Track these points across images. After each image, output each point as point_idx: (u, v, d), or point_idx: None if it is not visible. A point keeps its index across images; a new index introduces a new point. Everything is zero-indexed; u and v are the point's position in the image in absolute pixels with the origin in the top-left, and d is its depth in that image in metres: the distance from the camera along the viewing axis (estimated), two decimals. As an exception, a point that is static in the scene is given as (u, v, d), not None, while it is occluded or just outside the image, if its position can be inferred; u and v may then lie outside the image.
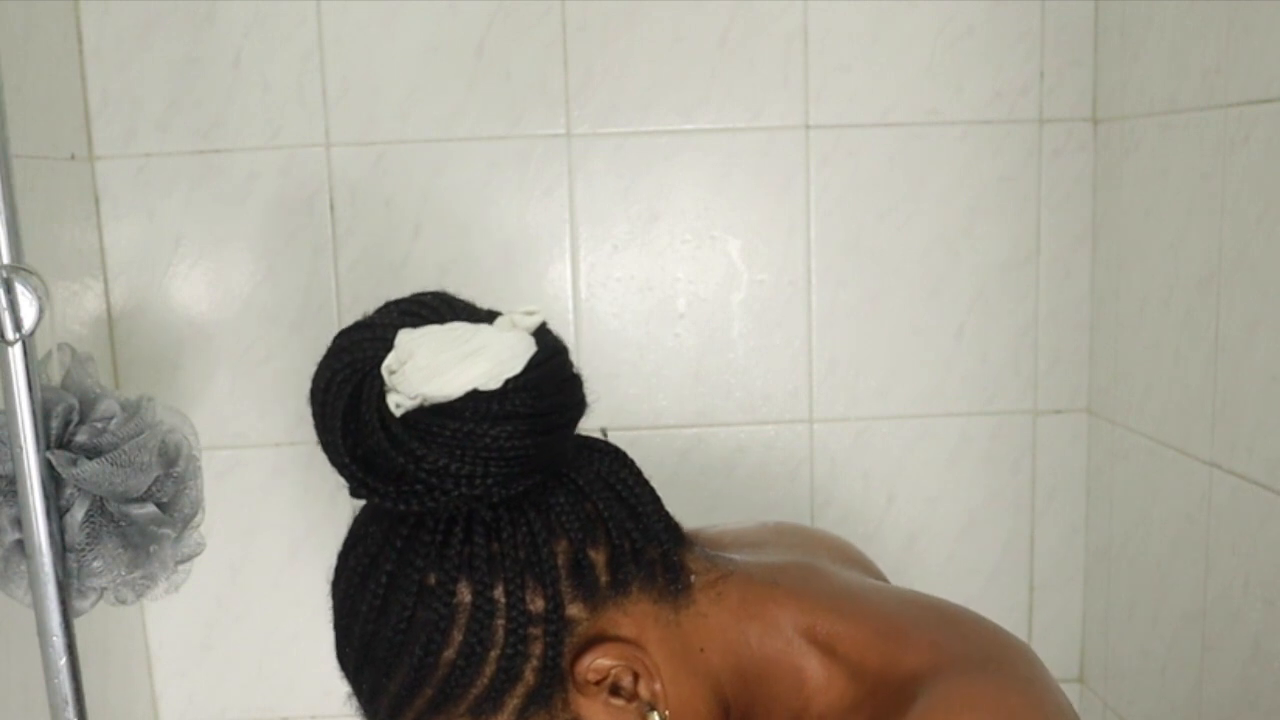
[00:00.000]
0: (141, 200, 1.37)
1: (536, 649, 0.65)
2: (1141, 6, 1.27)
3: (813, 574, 0.73)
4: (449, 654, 0.64)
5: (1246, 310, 1.08)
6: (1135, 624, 1.32)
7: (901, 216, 1.40)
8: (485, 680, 0.65)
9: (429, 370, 0.61)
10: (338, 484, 1.51)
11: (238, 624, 1.45)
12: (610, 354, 1.42)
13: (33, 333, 0.85)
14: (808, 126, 1.38)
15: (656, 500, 0.74)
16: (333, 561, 0.71)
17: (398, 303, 0.69)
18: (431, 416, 0.62)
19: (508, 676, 0.65)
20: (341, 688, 1.63)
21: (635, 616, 0.68)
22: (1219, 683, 1.14)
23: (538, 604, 0.65)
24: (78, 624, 0.91)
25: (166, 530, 0.93)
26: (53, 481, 0.87)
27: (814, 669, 0.68)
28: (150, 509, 0.91)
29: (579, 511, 0.67)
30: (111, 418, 0.91)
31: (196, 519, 0.97)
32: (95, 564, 0.90)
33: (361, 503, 0.69)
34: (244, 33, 1.35)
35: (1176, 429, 1.22)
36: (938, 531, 1.46)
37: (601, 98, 1.37)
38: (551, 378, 0.65)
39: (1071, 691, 1.50)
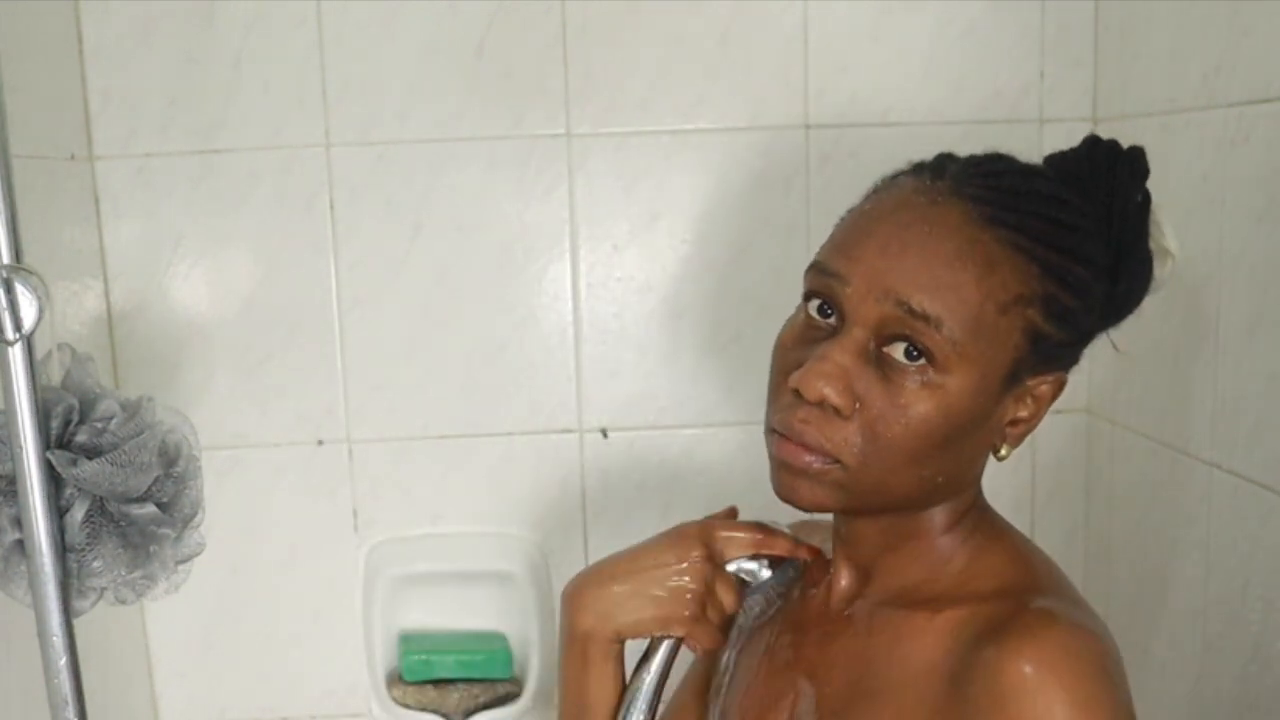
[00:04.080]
0: (141, 200, 1.37)
1: (1078, 321, 0.79)
2: (1141, 6, 1.27)
3: None
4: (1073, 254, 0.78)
5: (1246, 310, 1.08)
6: (1135, 624, 1.32)
7: (901, 216, 1.40)
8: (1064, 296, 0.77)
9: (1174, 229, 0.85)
10: (337, 483, 1.51)
11: (238, 624, 1.45)
12: (610, 354, 1.42)
13: (33, 333, 0.85)
14: (808, 126, 1.38)
15: None
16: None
17: None
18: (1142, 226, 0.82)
19: (1057, 309, 0.77)
20: (341, 687, 1.63)
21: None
22: (1219, 683, 1.14)
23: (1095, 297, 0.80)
24: (78, 624, 0.91)
25: (166, 530, 0.93)
26: (53, 481, 0.88)
27: (962, 558, 0.84)
28: (150, 509, 0.92)
29: None
30: (111, 418, 0.91)
31: (196, 519, 0.97)
32: (95, 564, 0.90)
33: None
34: (244, 33, 1.35)
35: (1176, 429, 1.22)
36: (938, 531, 1.46)
37: (601, 98, 1.37)
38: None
39: (1071, 691, 1.49)
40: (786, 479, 0.79)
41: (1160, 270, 0.84)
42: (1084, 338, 0.81)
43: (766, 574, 0.90)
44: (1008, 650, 0.72)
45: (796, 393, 0.77)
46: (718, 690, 0.94)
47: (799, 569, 0.91)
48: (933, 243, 0.75)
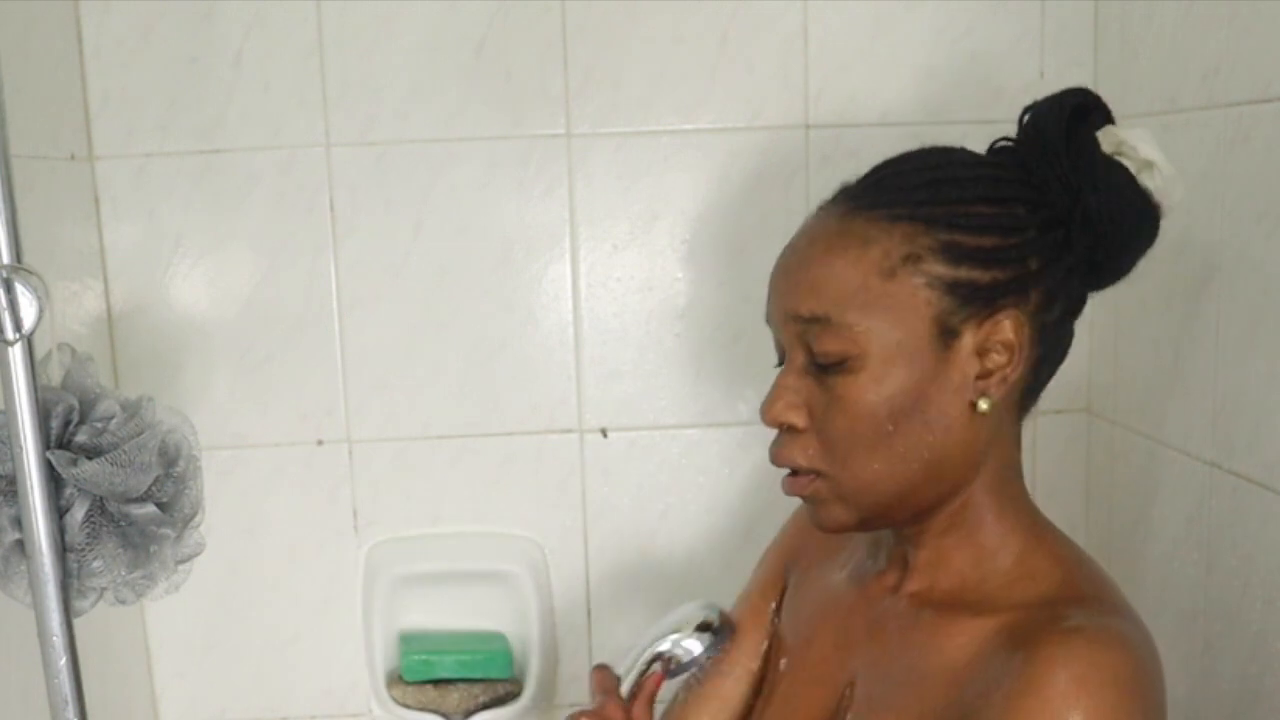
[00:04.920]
0: (141, 200, 1.37)
1: (1029, 263, 0.81)
2: (1141, 6, 1.27)
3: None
4: (990, 206, 0.81)
5: (1246, 310, 1.08)
6: (1135, 624, 1.32)
7: (901, 216, 1.40)
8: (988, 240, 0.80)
9: (1155, 142, 0.83)
10: (337, 483, 1.51)
11: (238, 624, 1.45)
12: (610, 354, 1.42)
13: (33, 333, 0.85)
14: (808, 126, 1.38)
15: None
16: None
17: None
18: (1105, 159, 0.82)
19: (987, 258, 0.80)
20: (341, 687, 1.63)
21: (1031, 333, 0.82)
22: (1219, 683, 1.14)
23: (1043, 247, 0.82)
24: (78, 624, 0.91)
25: (166, 530, 0.93)
26: (53, 481, 0.87)
27: (1008, 558, 0.84)
28: (150, 509, 0.91)
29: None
30: (111, 418, 0.91)
31: (196, 519, 0.97)
32: (95, 564, 0.90)
33: None
34: (244, 33, 1.35)
35: (1176, 429, 1.22)
36: (938, 531, 1.46)
37: (601, 98, 1.37)
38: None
39: (1071, 691, 1.49)
40: (806, 512, 0.88)
41: (1151, 181, 0.84)
42: (1027, 269, 0.81)
43: (699, 650, 0.98)
44: (1037, 657, 0.74)
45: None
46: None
47: (729, 634, 1.00)
48: (809, 251, 0.84)
